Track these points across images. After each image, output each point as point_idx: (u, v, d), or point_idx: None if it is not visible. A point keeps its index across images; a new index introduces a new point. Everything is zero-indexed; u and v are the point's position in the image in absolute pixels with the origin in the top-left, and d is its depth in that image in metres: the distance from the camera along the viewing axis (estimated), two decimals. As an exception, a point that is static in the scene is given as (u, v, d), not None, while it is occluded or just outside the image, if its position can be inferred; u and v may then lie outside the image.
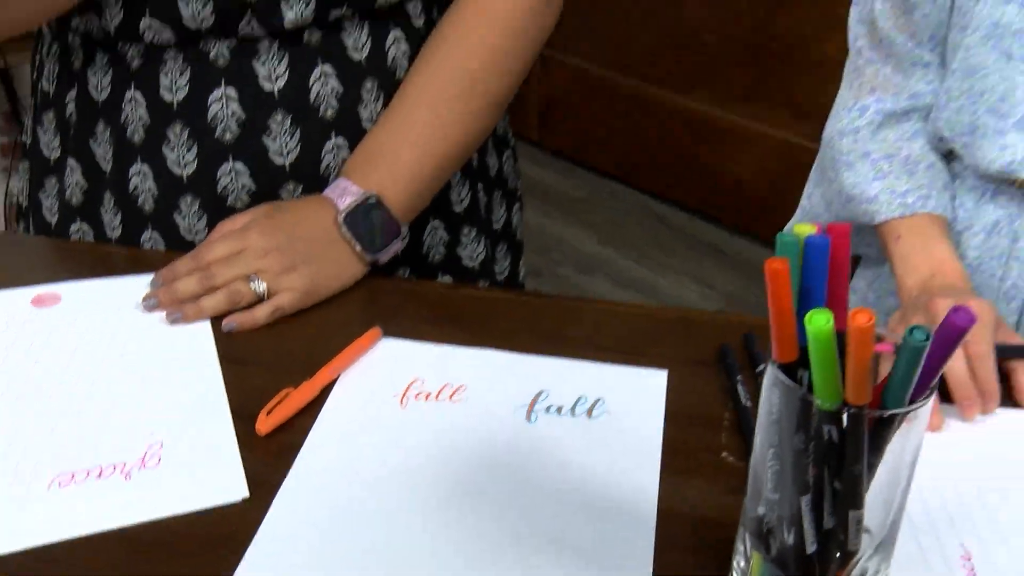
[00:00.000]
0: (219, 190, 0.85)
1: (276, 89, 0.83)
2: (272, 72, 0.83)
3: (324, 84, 0.84)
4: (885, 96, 0.88)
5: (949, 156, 0.88)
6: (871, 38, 0.91)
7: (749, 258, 2.50)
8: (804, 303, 0.47)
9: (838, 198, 0.91)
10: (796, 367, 0.47)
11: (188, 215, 0.86)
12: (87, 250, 0.89)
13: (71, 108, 0.88)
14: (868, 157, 0.88)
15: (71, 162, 0.89)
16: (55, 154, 0.91)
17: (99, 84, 0.86)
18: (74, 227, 0.91)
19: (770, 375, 0.48)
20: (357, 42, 0.85)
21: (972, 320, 0.41)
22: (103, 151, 0.87)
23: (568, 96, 2.59)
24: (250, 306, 0.77)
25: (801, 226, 0.47)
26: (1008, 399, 0.70)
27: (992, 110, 0.79)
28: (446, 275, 0.97)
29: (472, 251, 0.98)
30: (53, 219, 0.92)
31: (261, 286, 0.77)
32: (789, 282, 0.45)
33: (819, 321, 0.43)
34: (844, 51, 2.00)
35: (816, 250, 0.47)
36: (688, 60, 2.42)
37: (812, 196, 0.99)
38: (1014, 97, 0.78)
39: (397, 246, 0.83)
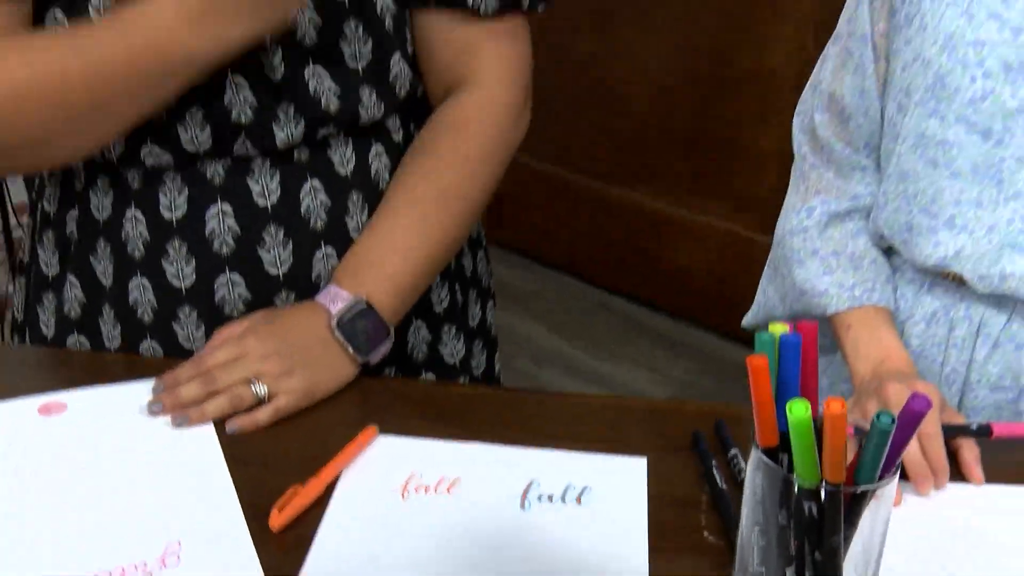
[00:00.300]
0: (216, 300, 0.90)
1: (269, 204, 0.89)
2: (265, 188, 0.89)
3: (314, 198, 0.91)
4: (829, 198, 0.98)
5: (889, 251, 0.97)
6: (813, 146, 1.01)
7: (696, 345, 2.59)
8: (781, 393, 0.54)
9: (791, 293, 0.99)
10: (777, 451, 0.54)
11: (187, 324, 0.91)
12: (87, 359, 0.93)
13: (72, 227, 0.93)
14: (817, 254, 0.97)
15: (71, 278, 0.93)
16: (54, 271, 0.95)
17: (100, 204, 0.91)
18: (71, 339, 0.95)
19: (754, 459, 0.54)
20: (343, 158, 0.92)
21: (929, 405, 0.49)
22: (103, 267, 0.92)
23: (517, 192, 2.69)
24: (251, 408, 0.82)
25: (775, 325, 0.54)
26: (956, 474, 0.77)
27: (924, 211, 0.89)
28: (429, 372, 1.02)
29: (452, 349, 1.04)
30: (50, 332, 0.96)
31: (262, 389, 0.82)
32: (769, 376, 0.52)
33: (799, 410, 0.50)
34: (777, 144, 2.13)
35: (790, 347, 0.54)
36: (631, 156, 2.54)
37: (767, 291, 1.07)
38: (942, 200, 0.87)
39: (386, 347, 0.89)
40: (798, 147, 1.04)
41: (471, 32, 0.93)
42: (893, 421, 0.48)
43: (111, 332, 0.93)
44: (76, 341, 0.95)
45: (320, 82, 0.87)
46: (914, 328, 0.93)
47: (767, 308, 1.06)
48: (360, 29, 0.87)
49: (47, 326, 0.97)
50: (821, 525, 0.53)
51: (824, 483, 0.52)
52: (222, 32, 0.77)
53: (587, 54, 2.54)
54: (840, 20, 0.98)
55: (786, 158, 2.27)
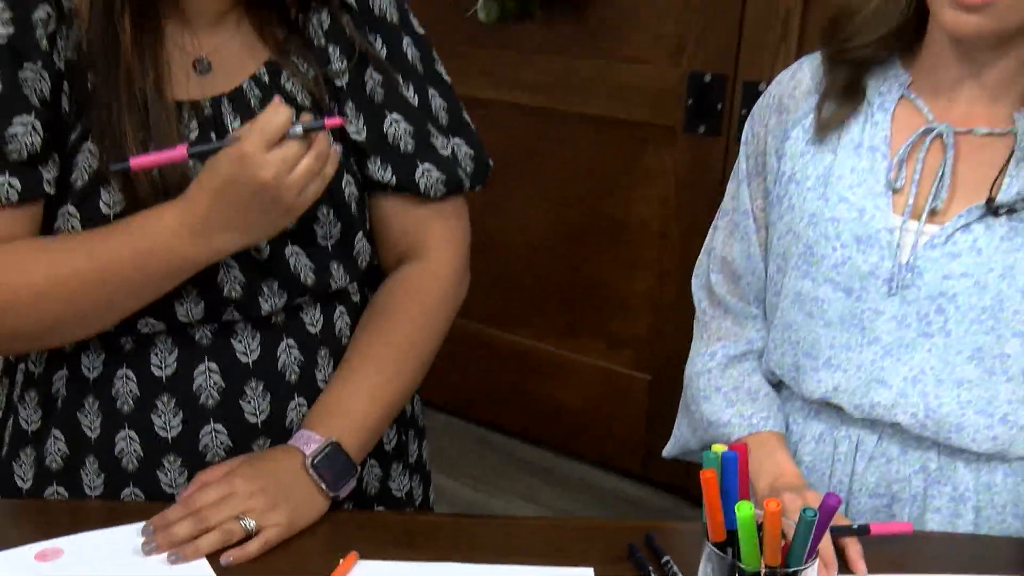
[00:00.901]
0: (200, 448, 1.01)
1: (251, 361, 1.02)
2: (247, 348, 1.02)
3: (288, 355, 1.04)
4: (727, 343, 1.18)
5: (780, 385, 1.17)
6: (711, 301, 1.21)
7: (574, 475, 2.74)
8: (725, 498, 0.71)
9: (701, 425, 1.18)
10: (724, 544, 0.70)
11: (170, 471, 1.01)
12: (70, 507, 1.01)
13: (59, 386, 1.02)
14: (720, 391, 1.16)
15: (55, 432, 1.02)
16: (35, 427, 1.04)
17: (91, 364, 1.01)
18: (49, 490, 1.03)
19: (707, 552, 0.70)
20: (313, 319, 1.06)
21: (839, 501, 0.66)
22: (90, 420, 1.01)
23: (401, 336, 2.83)
24: (241, 542, 0.92)
25: (717, 446, 0.72)
26: (843, 568, 0.95)
27: (806, 354, 1.09)
28: (380, 505, 1.15)
29: (399, 484, 1.17)
30: (27, 485, 1.04)
31: (250, 524, 0.93)
32: (717, 486, 0.69)
33: (745, 510, 0.66)
34: (646, 288, 2.36)
35: (730, 461, 0.71)
36: (511, 301, 2.73)
37: (681, 426, 1.25)
38: (819, 345, 1.08)
39: (352, 483, 1.01)
40: (698, 303, 1.24)
41: (421, 213, 1.09)
42: (815, 514, 0.66)
43: (93, 481, 1.02)
44: (54, 492, 1.03)
45: (298, 259, 1.02)
46: (805, 447, 1.12)
47: (682, 441, 1.24)
48: (331, 214, 1.03)
49: (23, 479, 1.04)
50: (760, 602, 0.69)
51: (764, 567, 0.68)
52: (221, 244, 0.92)
53: (471, 209, 2.75)
54: (725, 198, 1.20)
55: (653, 302, 2.50)
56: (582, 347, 2.64)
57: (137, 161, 0.89)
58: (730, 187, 1.19)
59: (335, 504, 1.01)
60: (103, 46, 0.92)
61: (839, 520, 0.97)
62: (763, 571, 0.68)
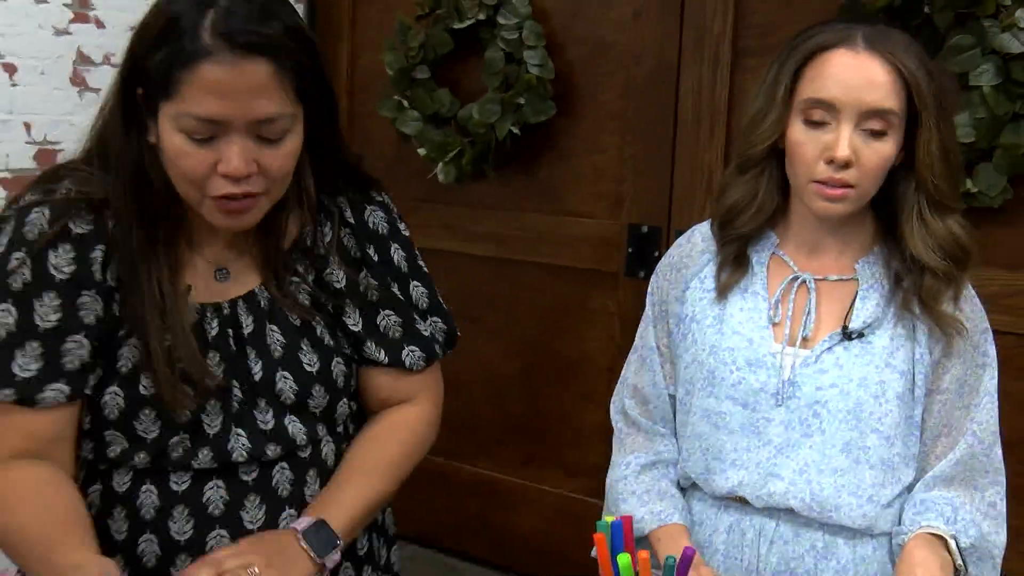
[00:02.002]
0: (207, 548, 1.24)
1: (251, 479, 1.27)
2: (248, 472, 1.26)
3: (282, 474, 1.29)
4: (640, 454, 1.45)
5: (693, 487, 1.42)
6: (625, 421, 1.49)
7: (538, 600, 2.92)
8: (613, 553, 0.97)
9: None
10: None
11: (181, 566, 1.23)
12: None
13: (94, 497, 1.25)
14: (635, 493, 1.42)
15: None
16: None
17: (120, 481, 1.24)
18: None
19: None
20: (303, 444, 1.31)
21: (694, 551, 0.93)
22: (118, 526, 1.24)
23: (369, 471, 3.03)
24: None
25: (608, 516, 0.98)
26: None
27: (715, 458, 1.36)
28: (353, 606, 1.37)
29: None
30: None
31: (255, 570, 1.14)
32: (607, 543, 0.95)
33: (624, 558, 0.92)
34: (598, 419, 2.62)
35: (617, 527, 0.97)
36: (471, 435, 2.96)
37: (604, 525, 1.51)
38: (725, 450, 1.34)
39: (337, 555, 1.24)
40: (615, 423, 1.52)
41: (405, 380, 1.38)
42: (675, 561, 0.92)
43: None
44: None
45: (294, 425, 1.29)
46: (719, 537, 1.37)
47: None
48: (322, 390, 1.30)
49: None
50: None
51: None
52: None
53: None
54: (636, 336, 1.50)
55: (604, 432, 2.74)
56: (540, 476, 2.86)
57: None
58: (640, 329, 1.50)
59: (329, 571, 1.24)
60: (137, 265, 1.18)
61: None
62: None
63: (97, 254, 1.19)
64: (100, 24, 2.51)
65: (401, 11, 2.81)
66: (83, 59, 2.50)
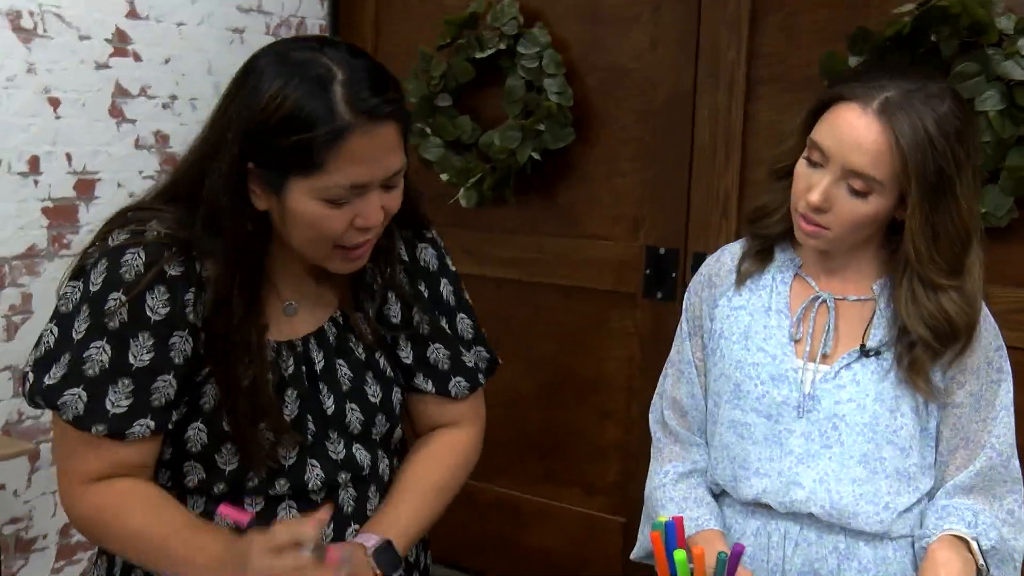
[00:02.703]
0: None
1: (319, 499, 1.35)
2: (318, 495, 1.35)
3: (347, 493, 1.38)
4: (678, 463, 1.54)
5: (723, 494, 1.52)
6: (664, 432, 1.58)
7: (559, 618, 3.00)
8: (668, 549, 1.06)
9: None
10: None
11: None
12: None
13: None
14: (673, 500, 1.51)
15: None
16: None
17: (194, 505, 1.33)
18: None
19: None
20: (368, 468, 1.40)
21: (743, 548, 1.02)
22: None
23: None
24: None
25: (662, 517, 1.07)
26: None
27: (741, 467, 1.45)
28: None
29: None
30: None
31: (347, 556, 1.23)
32: (662, 541, 1.04)
33: (681, 555, 1.02)
34: (615, 438, 2.71)
35: (670, 526, 1.07)
36: (494, 455, 3.03)
37: (644, 532, 1.59)
38: (749, 459, 1.44)
39: (399, 572, 1.34)
40: (654, 433, 1.61)
41: (451, 408, 1.48)
42: (727, 556, 1.01)
43: None
44: None
45: (360, 453, 1.39)
46: (746, 540, 1.45)
47: (645, 544, 1.58)
48: (384, 419, 1.41)
49: None
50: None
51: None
52: None
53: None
54: (672, 351, 1.59)
55: (623, 450, 2.84)
56: (559, 494, 2.95)
57: (225, 509, 1.24)
58: (675, 343, 1.59)
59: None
60: (224, 308, 1.26)
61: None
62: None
63: (189, 296, 1.26)
64: (138, 58, 2.63)
65: (422, 42, 2.92)
66: (120, 91, 2.61)
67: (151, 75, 2.68)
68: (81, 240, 2.53)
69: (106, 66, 2.57)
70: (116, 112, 2.61)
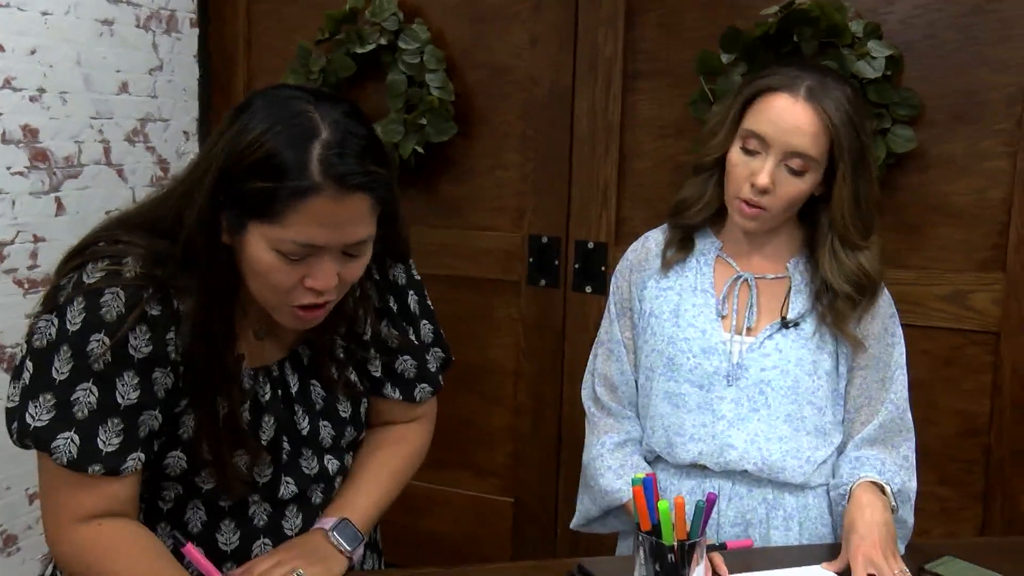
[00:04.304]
0: (252, 555, 1.39)
1: (290, 497, 1.42)
2: (287, 489, 1.42)
3: (316, 490, 1.45)
4: (612, 434, 1.68)
5: (658, 459, 1.67)
6: (597, 407, 1.72)
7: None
8: (648, 501, 1.19)
9: (599, 496, 1.66)
10: (649, 532, 1.18)
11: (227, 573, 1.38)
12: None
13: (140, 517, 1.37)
14: (611, 468, 1.65)
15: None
16: None
17: (192, 519, 1.38)
18: None
19: (640, 538, 1.18)
20: (334, 466, 1.48)
21: (715, 497, 1.16)
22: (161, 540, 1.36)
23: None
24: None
25: (638, 474, 1.21)
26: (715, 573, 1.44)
27: (676, 433, 1.60)
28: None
29: None
30: None
31: (301, 572, 1.32)
32: (643, 494, 1.17)
33: (665, 504, 1.15)
34: (505, 422, 2.80)
35: (648, 482, 1.20)
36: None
37: (583, 501, 1.73)
38: (684, 426, 1.59)
39: (361, 549, 1.42)
40: (588, 408, 1.74)
41: (412, 410, 1.57)
42: (704, 503, 1.15)
43: None
44: None
45: (330, 461, 1.46)
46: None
47: (584, 512, 1.73)
48: (352, 430, 1.48)
49: None
50: (676, 565, 1.17)
51: (676, 541, 1.16)
52: None
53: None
54: (600, 332, 1.73)
55: (512, 432, 2.94)
56: (453, 479, 3.05)
57: (189, 550, 1.29)
58: (603, 325, 1.73)
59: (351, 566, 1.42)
60: (202, 341, 1.29)
61: (707, 542, 1.47)
62: (675, 544, 1.17)
63: (170, 335, 1.28)
64: (0, 48, 2.57)
65: (299, 36, 2.96)
66: (-12, 84, 2.54)
67: (16, 66, 2.61)
68: (-50, 240, 2.46)
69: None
70: (-18, 103, 2.54)
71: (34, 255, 2.66)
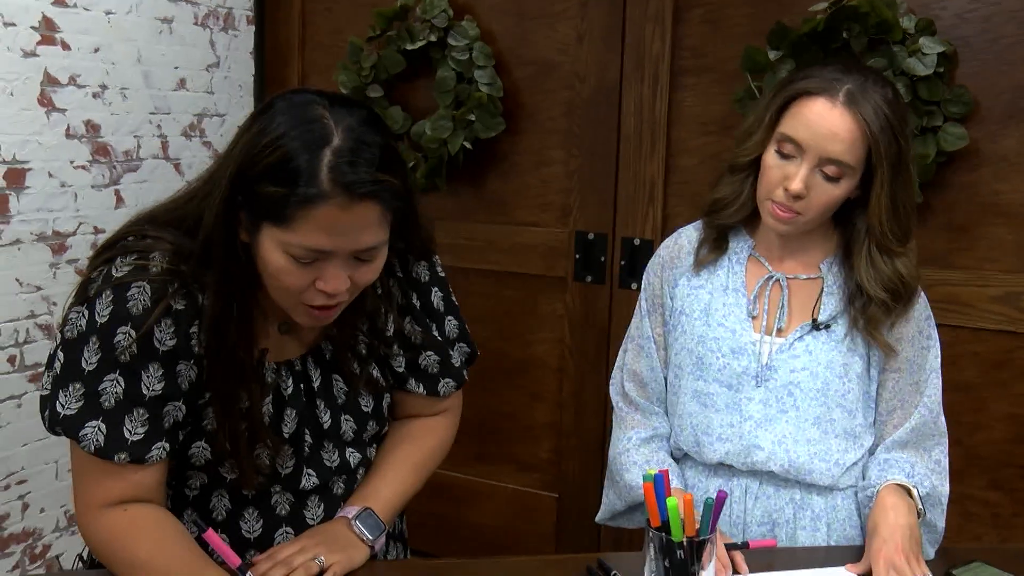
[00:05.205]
0: (275, 543, 1.41)
1: (311, 485, 1.44)
2: (309, 480, 1.43)
3: (338, 482, 1.47)
4: (639, 430, 1.67)
5: (686, 456, 1.65)
6: (625, 402, 1.71)
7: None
8: (659, 498, 1.18)
9: (624, 491, 1.65)
10: (659, 528, 1.17)
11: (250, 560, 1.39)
12: None
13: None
14: (636, 464, 1.64)
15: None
16: None
17: (194, 484, 1.39)
18: None
19: (650, 534, 1.17)
20: (354, 459, 1.49)
21: (726, 495, 1.15)
22: (187, 527, 1.38)
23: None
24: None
25: (651, 469, 1.19)
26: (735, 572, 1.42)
27: (704, 433, 1.59)
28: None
29: None
30: None
31: (322, 559, 1.34)
32: (654, 490, 1.16)
33: (673, 501, 1.14)
34: (547, 418, 2.80)
35: (659, 478, 1.19)
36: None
37: (608, 495, 1.72)
38: (712, 426, 1.58)
39: (383, 538, 1.43)
40: (616, 403, 1.73)
41: (437, 403, 1.58)
42: (712, 501, 1.14)
43: None
44: None
45: (352, 455, 1.48)
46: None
47: (610, 506, 1.72)
48: (375, 424, 1.50)
49: None
50: (683, 562, 1.16)
51: (685, 538, 1.15)
52: None
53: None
54: (631, 327, 1.72)
55: (555, 429, 2.95)
56: (493, 473, 3.06)
57: (210, 536, 1.30)
58: (634, 321, 1.72)
59: (372, 556, 1.43)
60: (222, 336, 1.30)
61: (728, 540, 1.46)
62: (684, 540, 1.15)
63: (194, 329, 1.30)
64: (66, 46, 2.63)
65: (350, 33, 2.99)
66: (50, 80, 2.61)
67: (80, 64, 2.68)
68: (14, 231, 2.53)
69: (34, 54, 2.56)
70: (45, 101, 2.61)
71: (94, 246, 2.70)
